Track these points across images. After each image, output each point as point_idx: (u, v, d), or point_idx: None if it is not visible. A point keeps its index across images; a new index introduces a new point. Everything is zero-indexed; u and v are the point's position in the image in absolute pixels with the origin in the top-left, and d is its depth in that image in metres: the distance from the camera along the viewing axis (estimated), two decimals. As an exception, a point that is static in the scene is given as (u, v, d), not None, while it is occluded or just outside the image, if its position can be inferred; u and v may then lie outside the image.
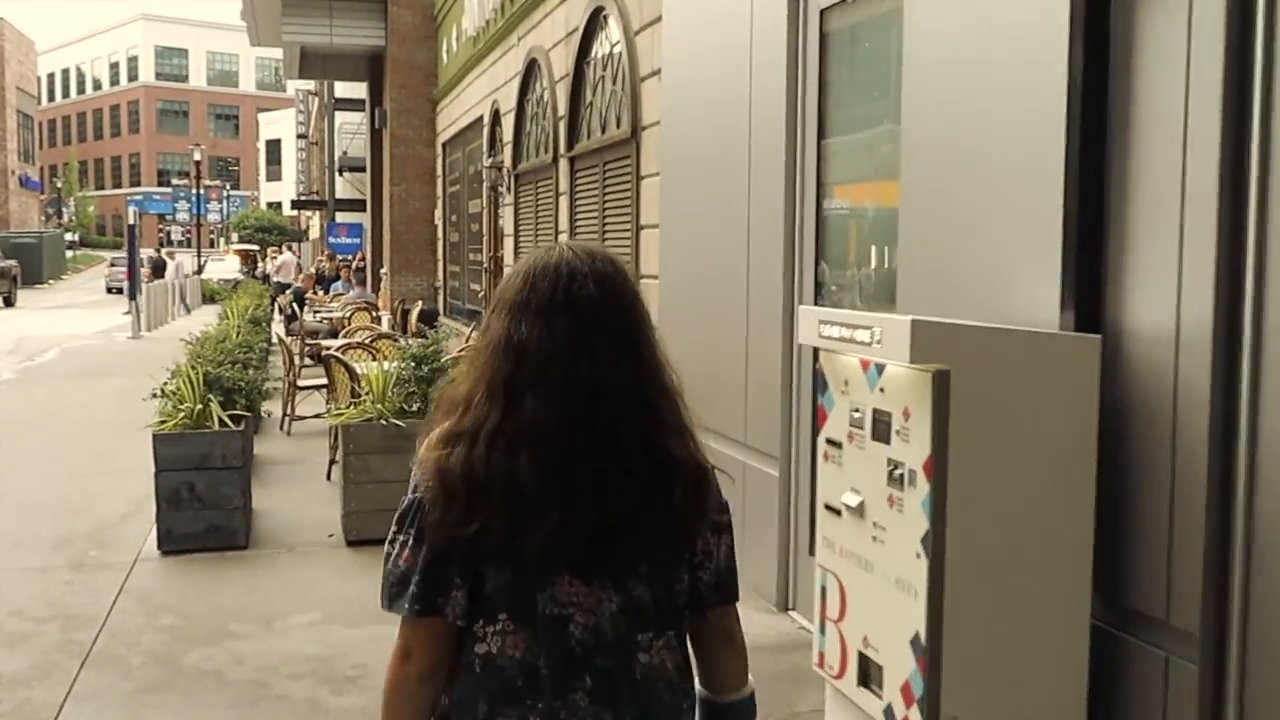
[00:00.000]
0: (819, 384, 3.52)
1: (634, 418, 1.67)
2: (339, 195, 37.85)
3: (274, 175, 70.14)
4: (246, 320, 13.08)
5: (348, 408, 7.16)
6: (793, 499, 5.57)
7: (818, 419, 3.55)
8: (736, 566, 1.83)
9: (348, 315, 15.14)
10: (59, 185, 75.47)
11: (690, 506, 1.70)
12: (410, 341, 10.48)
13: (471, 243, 15.78)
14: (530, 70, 11.29)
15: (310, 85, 48.27)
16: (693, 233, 6.70)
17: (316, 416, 10.96)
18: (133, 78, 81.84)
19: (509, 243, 12.47)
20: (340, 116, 37.95)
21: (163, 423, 6.75)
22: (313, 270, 22.07)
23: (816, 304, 5.18)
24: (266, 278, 30.49)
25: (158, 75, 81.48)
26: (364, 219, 37.42)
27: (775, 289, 5.47)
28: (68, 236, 57.39)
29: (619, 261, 1.75)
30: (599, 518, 1.65)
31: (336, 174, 37.49)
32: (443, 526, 1.65)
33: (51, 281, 45.43)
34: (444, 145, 17.88)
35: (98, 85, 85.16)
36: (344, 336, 12.52)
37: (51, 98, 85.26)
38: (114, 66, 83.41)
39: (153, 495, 6.70)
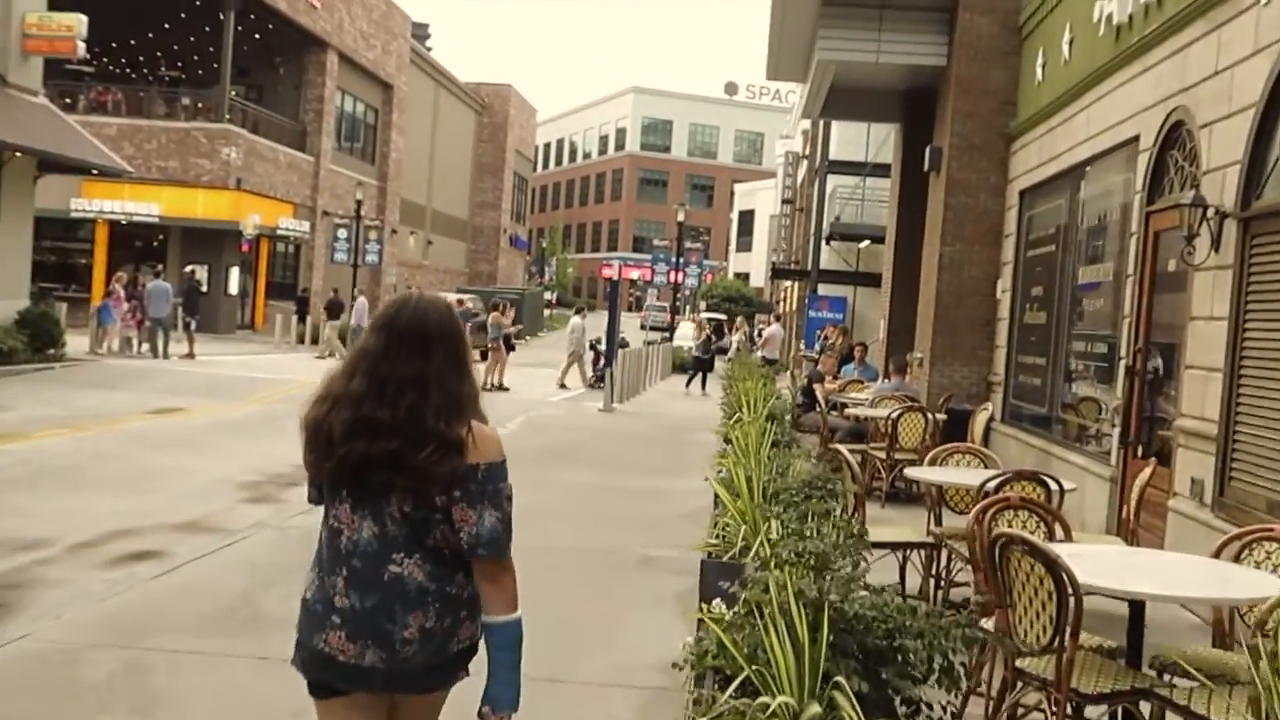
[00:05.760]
0: None
1: (412, 398, 2.63)
2: (822, 265, 34.28)
3: (744, 246, 68.96)
4: (766, 417, 9.08)
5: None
6: None
7: None
8: (502, 532, 2.62)
9: (892, 416, 10.70)
10: (544, 245, 78.80)
11: (434, 463, 2.58)
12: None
13: (1078, 324, 10.89)
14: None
15: (798, 147, 45.47)
16: None
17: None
18: (619, 147, 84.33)
19: (1204, 331, 7.48)
20: (832, 181, 34.54)
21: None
22: (833, 348, 17.72)
23: None
24: (725, 349, 27.14)
25: (642, 146, 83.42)
26: (848, 291, 33.75)
27: None
28: (546, 295, 58.56)
29: (447, 307, 2.80)
30: (368, 455, 2.61)
31: (823, 242, 33.91)
32: (305, 455, 2.76)
33: (528, 338, 45.50)
34: (1022, 193, 13.17)
35: (587, 155, 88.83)
36: (929, 461, 8.02)
37: (546, 165, 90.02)
38: (603, 138, 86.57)
39: None
